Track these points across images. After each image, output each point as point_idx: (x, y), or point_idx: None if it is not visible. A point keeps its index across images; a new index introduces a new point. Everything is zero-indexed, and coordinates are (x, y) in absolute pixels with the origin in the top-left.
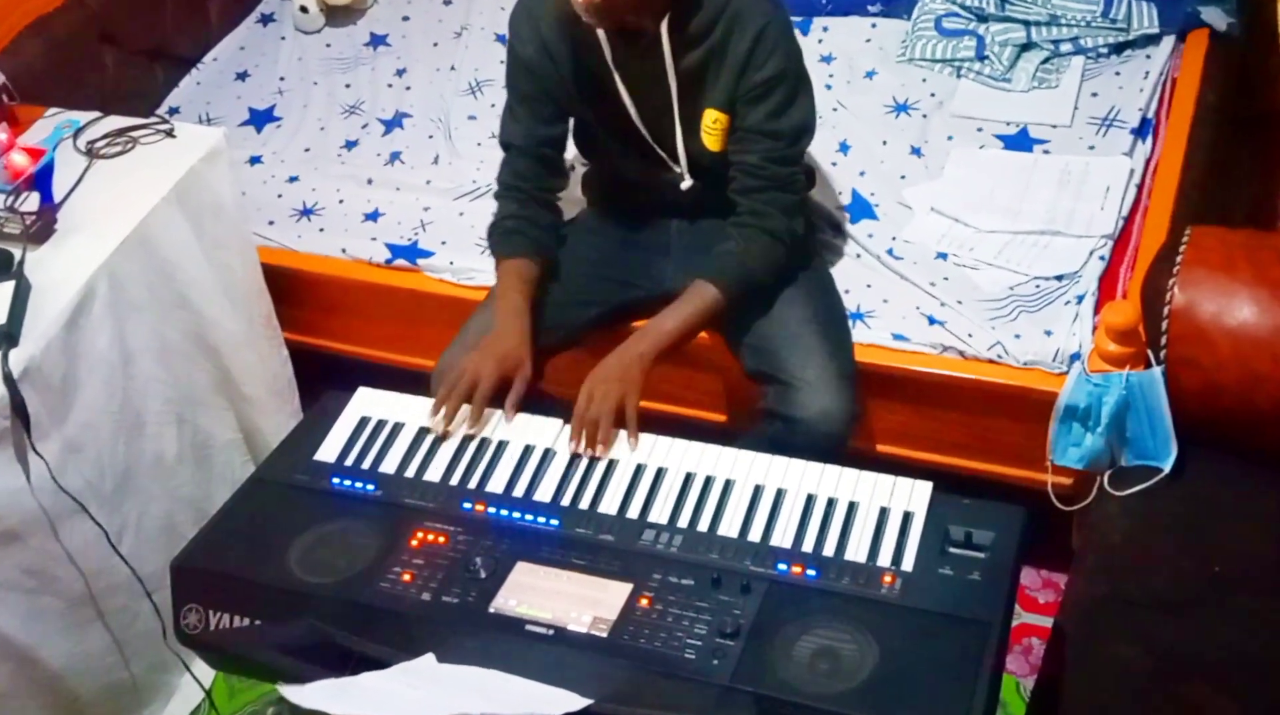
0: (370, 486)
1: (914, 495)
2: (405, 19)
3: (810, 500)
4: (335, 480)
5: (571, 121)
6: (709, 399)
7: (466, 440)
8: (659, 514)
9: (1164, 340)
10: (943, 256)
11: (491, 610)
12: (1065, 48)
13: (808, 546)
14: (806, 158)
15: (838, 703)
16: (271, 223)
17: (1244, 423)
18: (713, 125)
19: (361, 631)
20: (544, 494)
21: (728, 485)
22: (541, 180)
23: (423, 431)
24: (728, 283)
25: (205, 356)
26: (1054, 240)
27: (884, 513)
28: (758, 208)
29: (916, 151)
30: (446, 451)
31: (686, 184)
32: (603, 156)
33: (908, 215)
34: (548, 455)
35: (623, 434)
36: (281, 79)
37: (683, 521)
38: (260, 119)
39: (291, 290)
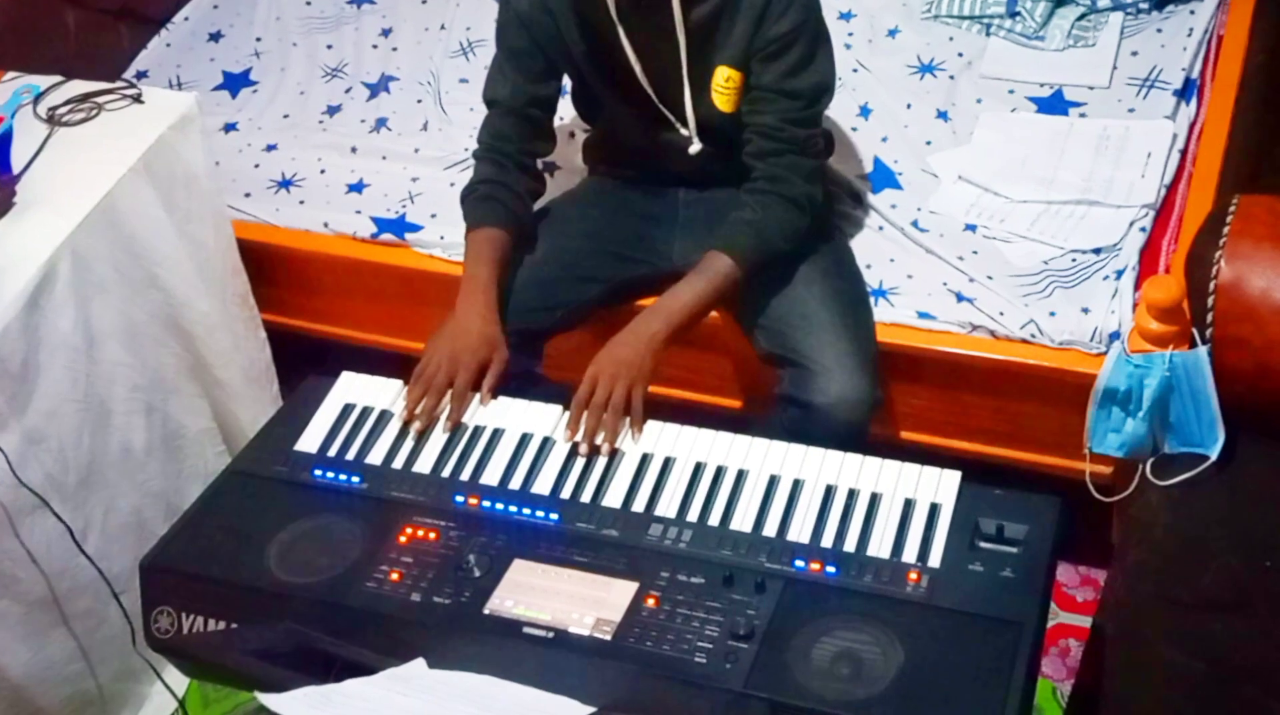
0: (355, 479)
1: (941, 486)
2: None
3: (829, 491)
4: (317, 472)
5: (569, 83)
6: (720, 383)
7: (459, 429)
8: (667, 507)
9: (1210, 318)
10: (971, 228)
11: (486, 611)
12: (1103, 3)
13: (827, 541)
14: (825, 122)
15: (860, 710)
16: (248, 195)
17: None
18: (724, 84)
19: (346, 635)
20: (543, 486)
21: (741, 476)
22: (525, 143)
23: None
24: (744, 254)
25: (176, 339)
26: (1091, 210)
27: (909, 505)
28: (775, 172)
29: (943, 115)
30: (437, 441)
31: (695, 148)
32: (604, 120)
33: (934, 184)
34: (546, 444)
35: (624, 423)
36: (258, 40)
37: (692, 515)
38: (235, 83)
39: (269, 267)
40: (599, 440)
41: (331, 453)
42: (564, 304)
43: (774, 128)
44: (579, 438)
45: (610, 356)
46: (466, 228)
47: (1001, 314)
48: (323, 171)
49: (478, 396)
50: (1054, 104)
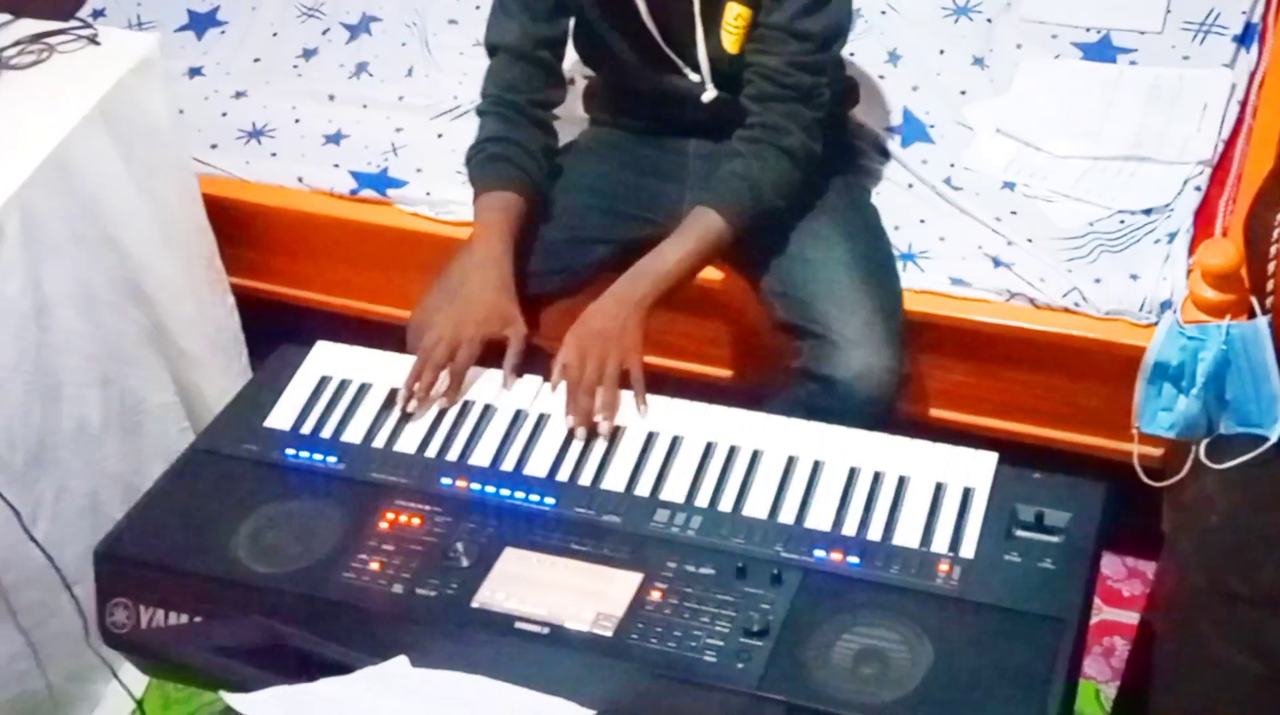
0: (331, 459)
1: (975, 468)
2: None
3: (853, 474)
4: (290, 451)
5: (571, 22)
6: (732, 356)
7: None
8: (673, 491)
9: (1270, 285)
10: (1010, 187)
11: (475, 605)
12: None
13: (849, 529)
14: (849, 69)
15: (885, 713)
16: (215, 147)
17: None
18: (734, 21)
19: (321, 630)
20: (537, 467)
21: (755, 456)
22: (536, 92)
23: (394, 393)
24: (735, 210)
25: (136, 306)
26: (1141, 167)
27: (940, 489)
28: (774, 121)
29: (979, 62)
30: (422, 419)
31: (709, 95)
32: (608, 63)
33: (968, 138)
34: (542, 421)
35: (627, 399)
36: None
37: (701, 500)
38: (201, 23)
39: (239, 227)
40: (598, 420)
41: (306, 430)
42: (563, 268)
43: (780, 71)
44: (574, 422)
45: (590, 328)
46: (475, 192)
47: (1042, 280)
48: (297, 121)
49: (483, 374)
50: (1101, 50)
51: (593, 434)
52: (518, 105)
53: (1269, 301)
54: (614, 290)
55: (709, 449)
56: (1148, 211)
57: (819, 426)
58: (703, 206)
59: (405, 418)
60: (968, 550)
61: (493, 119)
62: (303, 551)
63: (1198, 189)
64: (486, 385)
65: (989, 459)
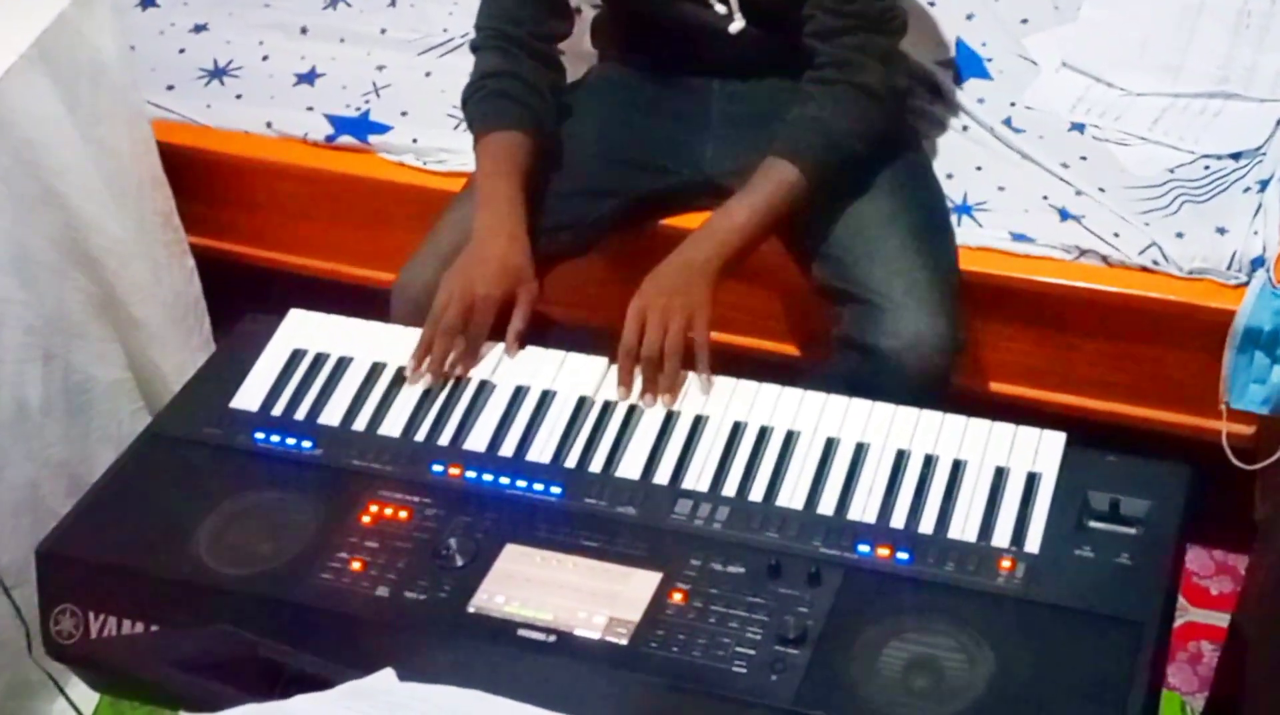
0: (306, 444)
1: (1041, 451)
2: None
3: (901, 458)
4: (259, 436)
5: None
6: (764, 323)
7: (437, 382)
8: (697, 479)
9: None
10: (1078, 128)
11: (471, 609)
12: None
13: (898, 521)
14: None
15: None
16: (171, 88)
17: None
18: None
19: (295, 639)
20: (541, 453)
21: (790, 438)
22: (539, 23)
23: (376, 369)
24: (811, 159)
25: (81, 270)
26: (1228, 105)
27: (1000, 474)
28: (845, 55)
29: None
30: (410, 396)
31: (737, 26)
32: None
33: (1031, 73)
34: (546, 399)
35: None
36: None
37: (729, 489)
38: None
39: (199, 180)
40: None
41: (277, 411)
42: (568, 224)
43: None
44: (635, 395)
45: (657, 288)
46: (475, 134)
47: (1116, 235)
48: (265, 58)
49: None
50: None
51: (646, 409)
52: (518, 38)
53: None
54: (680, 252)
55: (737, 430)
56: (1235, 156)
57: (863, 403)
58: (774, 157)
59: (391, 395)
60: (1033, 544)
61: (491, 53)
62: (274, 550)
63: None
64: (483, 358)
65: (1056, 440)
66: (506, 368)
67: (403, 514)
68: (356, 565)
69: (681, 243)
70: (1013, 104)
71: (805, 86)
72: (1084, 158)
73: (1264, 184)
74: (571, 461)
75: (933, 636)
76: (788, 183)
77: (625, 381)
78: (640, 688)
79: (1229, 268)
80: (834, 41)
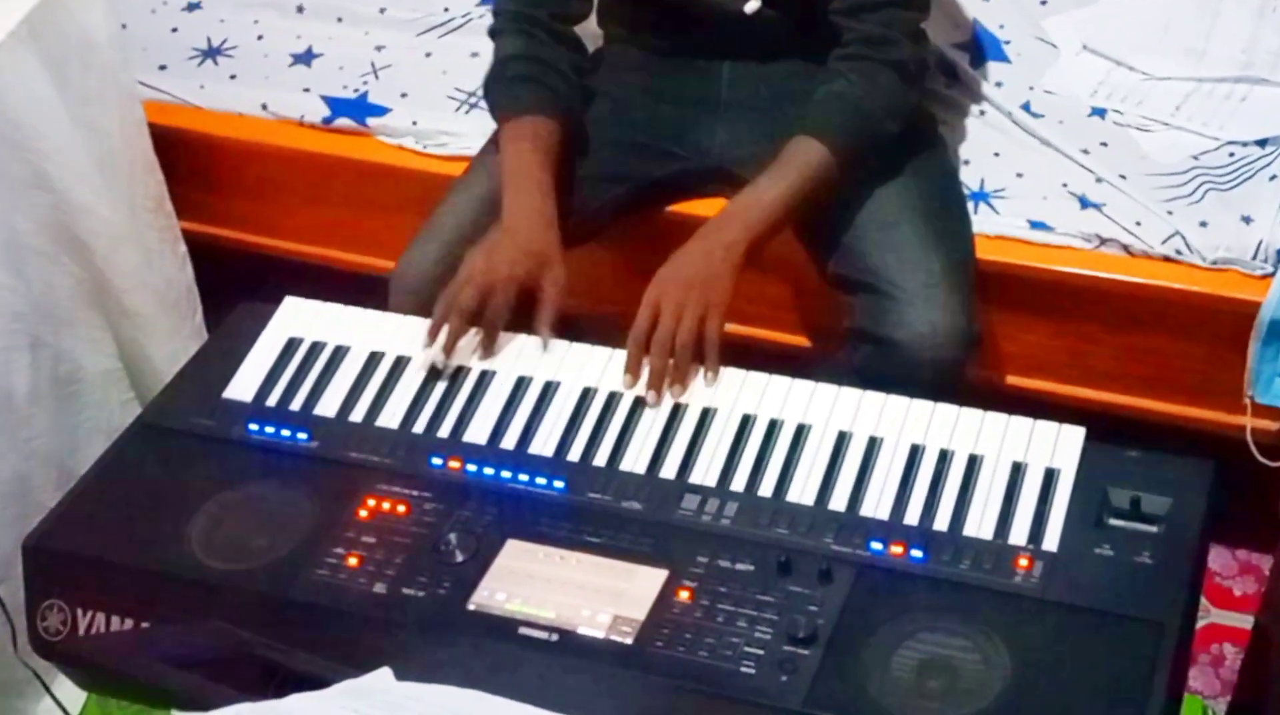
0: (302, 435)
1: (1059, 446)
2: None
3: (915, 452)
4: (253, 427)
5: None
6: (776, 314)
7: (435, 371)
8: (705, 473)
9: None
10: (1099, 113)
11: (471, 607)
12: None
13: (911, 518)
14: None
15: None
16: (164, 68)
17: None
18: None
19: (290, 637)
20: (544, 445)
21: (801, 432)
22: (558, 5)
23: (374, 358)
24: (840, 137)
25: (71, 255)
26: (1254, 90)
27: (1017, 470)
28: (874, 31)
29: None
30: (408, 387)
31: (752, 6)
32: None
33: (1050, 56)
34: (550, 391)
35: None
36: None
37: (738, 484)
38: None
39: (192, 163)
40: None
41: (271, 401)
42: (572, 211)
43: None
44: (640, 385)
45: (676, 275)
46: (499, 120)
47: (1138, 224)
48: (260, 37)
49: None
50: None
51: (653, 404)
52: (538, 20)
53: None
54: (703, 234)
55: (747, 423)
56: (1262, 143)
57: (876, 396)
58: (802, 135)
59: (390, 386)
60: (1051, 542)
61: (512, 36)
62: (268, 545)
63: None
64: (483, 348)
65: (1075, 434)
66: (508, 358)
67: (401, 508)
68: (353, 561)
69: (703, 225)
70: (1031, 88)
71: (834, 64)
72: (1105, 144)
73: None
74: (575, 455)
75: (947, 637)
76: (817, 162)
77: (632, 369)
78: (645, 688)
79: (1254, 258)
80: (862, 18)
